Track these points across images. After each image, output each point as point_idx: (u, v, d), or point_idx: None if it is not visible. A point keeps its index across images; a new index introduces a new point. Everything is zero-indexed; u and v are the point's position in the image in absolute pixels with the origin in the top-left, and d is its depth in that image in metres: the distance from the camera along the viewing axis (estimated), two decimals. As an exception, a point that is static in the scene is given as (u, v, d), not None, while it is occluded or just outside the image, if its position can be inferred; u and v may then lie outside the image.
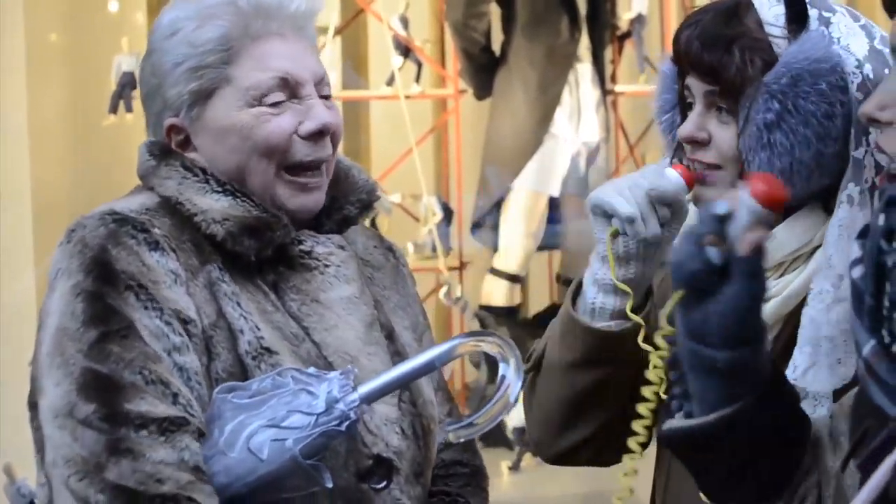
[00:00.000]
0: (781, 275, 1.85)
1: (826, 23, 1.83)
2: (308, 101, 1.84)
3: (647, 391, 1.58)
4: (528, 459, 5.97)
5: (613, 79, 6.69)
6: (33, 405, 1.75)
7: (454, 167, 6.61)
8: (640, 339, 1.80)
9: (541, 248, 6.62)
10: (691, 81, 1.86)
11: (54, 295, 1.73)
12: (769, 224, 1.43)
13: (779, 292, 1.84)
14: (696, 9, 1.89)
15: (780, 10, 1.83)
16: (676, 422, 1.51)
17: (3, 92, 4.85)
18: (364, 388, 1.74)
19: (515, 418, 5.98)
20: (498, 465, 5.87)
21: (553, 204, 6.48)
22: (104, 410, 1.66)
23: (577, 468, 2.10)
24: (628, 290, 1.82)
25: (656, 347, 1.54)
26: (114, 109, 6.10)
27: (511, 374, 1.77)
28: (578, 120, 6.35)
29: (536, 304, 7.19)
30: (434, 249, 6.27)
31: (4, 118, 4.85)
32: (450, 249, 6.43)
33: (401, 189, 6.47)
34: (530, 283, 7.40)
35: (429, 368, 1.79)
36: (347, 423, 1.70)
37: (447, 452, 1.97)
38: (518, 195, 6.30)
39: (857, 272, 1.29)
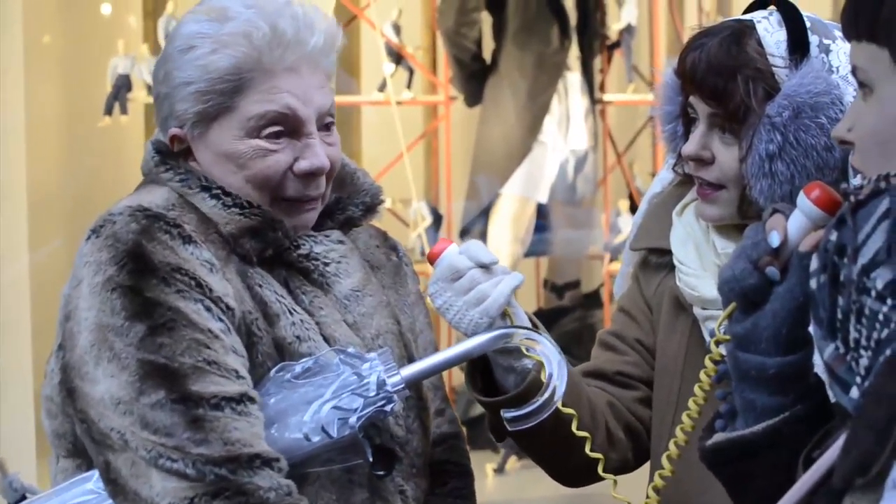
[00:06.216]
0: None
1: (826, 50, 1.89)
2: (307, 140, 1.85)
3: (697, 389, 1.69)
4: (512, 462, 6.01)
5: (602, 88, 6.75)
6: (70, 391, 1.77)
7: (444, 173, 6.67)
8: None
9: (528, 254, 6.68)
10: (695, 101, 1.92)
11: (81, 286, 1.76)
12: (822, 226, 1.52)
13: None
14: (700, 30, 1.94)
15: (782, 35, 1.89)
16: (721, 435, 1.56)
17: (2, 92, 4.91)
18: (406, 371, 1.81)
19: (501, 421, 6.03)
20: (483, 468, 5.91)
21: (541, 211, 6.54)
22: (174, 394, 1.70)
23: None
24: None
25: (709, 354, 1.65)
26: (109, 111, 6.15)
27: (555, 372, 1.83)
28: (567, 128, 6.41)
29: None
30: (423, 254, 6.33)
31: (2, 117, 4.90)
32: (438, 252, 6.48)
33: (391, 194, 6.52)
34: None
35: (466, 357, 1.85)
36: (391, 405, 1.78)
37: (437, 452, 2.01)
38: (506, 201, 6.36)
39: (814, 284, 1.35)
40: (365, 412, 1.76)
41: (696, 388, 1.68)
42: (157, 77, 1.89)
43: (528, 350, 1.85)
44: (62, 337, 1.79)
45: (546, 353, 1.84)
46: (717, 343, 1.59)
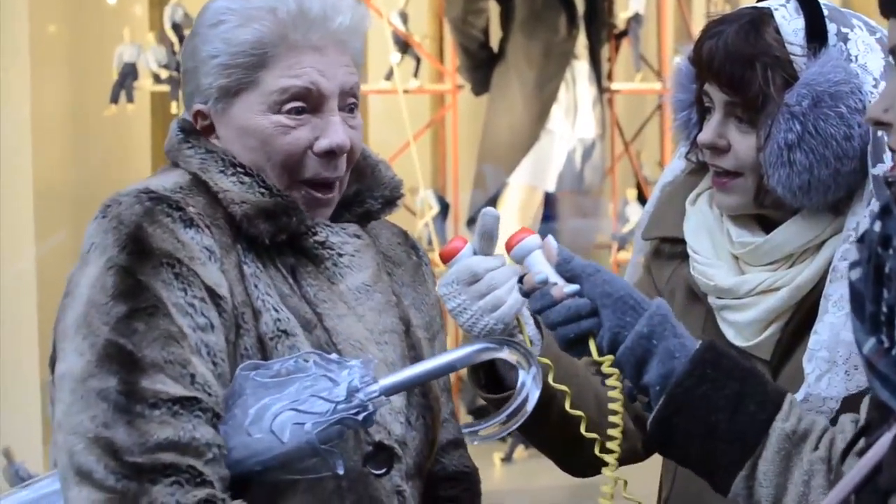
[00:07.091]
0: (791, 265, 1.92)
1: (844, 39, 1.88)
2: (328, 118, 1.85)
3: (612, 417, 1.74)
4: (520, 451, 6.01)
5: (610, 77, 6.73)
6: (53, 366, 1.78)
7: (451, 162, 6.66)
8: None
9: (536, 243, 6.65)
10: (710, 89, 1.91)
11: (87, 268, 1.75)
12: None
13: (789, 282, 1.91)
14: (716, 17, 1.93)
15: (799, 23, 1.88)
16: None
17: (7, 81, 4.89)
18: (385, 381, 1.76)
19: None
20: (490, 457, 5.91)
21: (548, 200, 6.53)
22: (123, 386, 1.69)
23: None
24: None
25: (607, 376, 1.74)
26: (115, 99, 6.14)
27: (529, 383, 1.80)
28: (574, 117, 6.39)
29: (530, 299, 7.22)
30: (430, 243, 6.32)
31: (8, 107, 4.88)
32: (445, 243, 6.46)
33: (398, 183, 6.50)
34: (525, 278, 7.43)
35: (449, 369, 1.82)
36: (365, 413, 1.73)
37: (446, 459, 2.00)
38: (513, 190, 6.35)
39: (856, 274, 1.31)
40: (328, 419, 1.71)
41: (617, 406, 1.75)
42: (185, 53, 1.89)
43: (514, 361, 1.84)
44: (57, 316, 1.78)
45: (523, 365, 1.82)
46: (613, 375, 1.73)
